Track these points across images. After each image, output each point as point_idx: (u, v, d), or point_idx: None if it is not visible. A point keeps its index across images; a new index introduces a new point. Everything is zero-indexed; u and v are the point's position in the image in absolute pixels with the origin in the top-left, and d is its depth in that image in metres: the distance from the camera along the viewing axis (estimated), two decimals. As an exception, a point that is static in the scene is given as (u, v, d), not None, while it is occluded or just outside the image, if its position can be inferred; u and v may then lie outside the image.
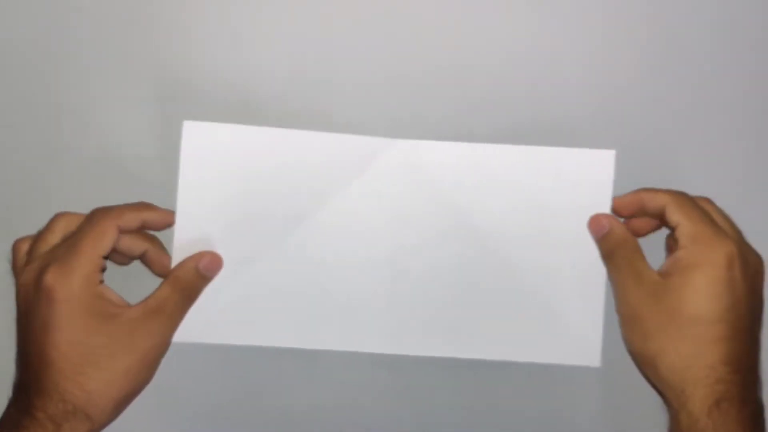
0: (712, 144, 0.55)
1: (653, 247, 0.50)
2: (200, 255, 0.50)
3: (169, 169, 0.52)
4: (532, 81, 0.54)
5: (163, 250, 0.51)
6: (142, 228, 0.50)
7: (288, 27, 0.53)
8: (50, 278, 0.45)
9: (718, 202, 0.54)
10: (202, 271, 0.50)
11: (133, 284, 0.50)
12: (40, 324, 0.45)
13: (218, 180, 0.52)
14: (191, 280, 0.50)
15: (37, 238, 0.48)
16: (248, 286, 0.52)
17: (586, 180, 0.51)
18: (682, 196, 0.48)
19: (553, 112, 0.55)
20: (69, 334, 0.45)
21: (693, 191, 0.54)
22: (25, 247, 0.48)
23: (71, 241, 0.47)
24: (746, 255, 0.46)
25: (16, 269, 0.48)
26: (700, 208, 0.48)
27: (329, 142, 0.53)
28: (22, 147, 0.53)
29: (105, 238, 0.47)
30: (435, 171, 0.53)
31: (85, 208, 0.52)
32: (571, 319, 0.52)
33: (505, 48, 0.54)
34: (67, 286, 0.45)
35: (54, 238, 0.48)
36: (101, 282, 0.47)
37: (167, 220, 0.51)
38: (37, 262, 0.46)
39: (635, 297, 0.47)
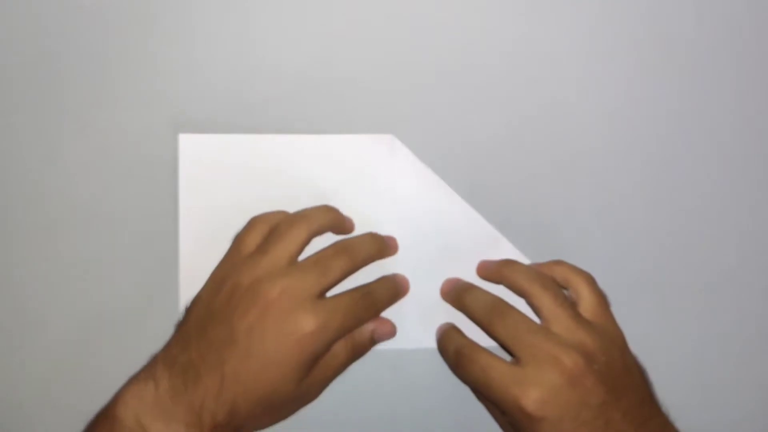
0: (710, 143, 0.55)
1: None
2: (380, 322, 0.50)
3: (168, 171, 0.53)
4: (532, 80, 0.54)
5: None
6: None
7: (286, 28, 0.54)
8: (311, 323, 0.44)
9: (716, 203, 0.55)
10: (375, 338, 0.50)
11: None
12: (263, 343, 0.44)
13: (217, 189, 0.53)
14: (364, 343, 0.49)
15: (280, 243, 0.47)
16: None
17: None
18: (542, 299, 0.47)
19: (552, 111, 0.55)
20: (282, 371, 0.44)
21: (693, 191, 0.55)
22: (257, 239, 0.48)
23: (341, 300, 0.46)
24: (592, 354, 0.44)
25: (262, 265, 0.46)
26: (546, 331, 0.45)
27: (322, 144, 0.53)
28: (20, 148, 0.53)
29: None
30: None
31: (83, 210, 0.52)
32: None
33: (505, 47, 0.54)
34: (319, 339, 0.45)
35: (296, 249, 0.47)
36: None
37: (350, 228, 0.52)
38: (299, 289, 0.45)
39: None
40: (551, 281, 0.48)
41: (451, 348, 0.49)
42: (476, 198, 0.53)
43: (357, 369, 0.50)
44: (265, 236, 0.48)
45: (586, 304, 0.47)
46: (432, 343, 0.52)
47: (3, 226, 0.53)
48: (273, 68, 0.53)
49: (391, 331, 0.50)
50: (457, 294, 0.51)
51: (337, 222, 0.51)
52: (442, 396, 0.53)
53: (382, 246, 0.51)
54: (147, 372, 0.44)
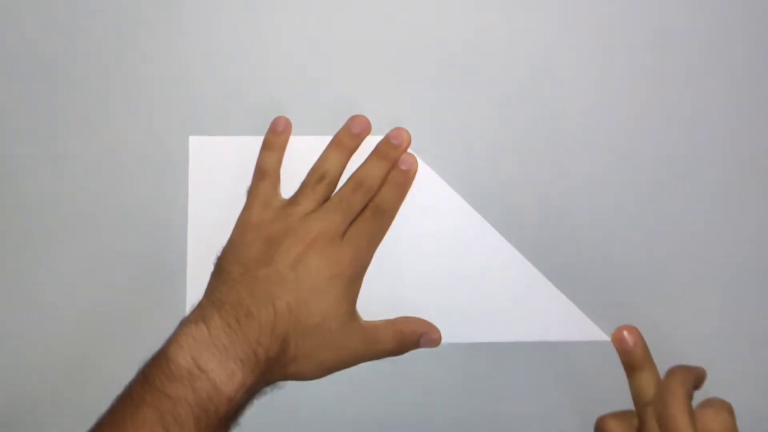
0: (710, 144, 0.55)
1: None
2: (431, 329, 0.52)
3: (178, 172, 0.54)
4: (532, 81, 0.55)
5: None
6: None
7: (292, 32, 0.54)
8: (347, 259, 0.49)
9: (716, 204, 0.55)
10: (422, 343, 0.52)
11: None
12: (310, 279, 0.48)
13: (226, 190, 0.54)
14: (409, 343, 0.52)
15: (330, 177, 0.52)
16: None
17: None
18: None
19: (551, 112, 0.55)
20: (330, 307, 0.48)
21: (692, 191, 0.55)
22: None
23: (365, 229, 0.51)
24: None
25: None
26: None
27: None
28: (28, 150, 0.54)
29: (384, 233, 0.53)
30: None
31: (94, 210, 0.53)
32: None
33: (505, 48, 0.54)
34: (355, 273, 0.50)
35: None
36: None
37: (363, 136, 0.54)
38: (333, 227, 0.49)
39: None
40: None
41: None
42: (476, 198, 0.54)
43: (359, 367, 0.51)
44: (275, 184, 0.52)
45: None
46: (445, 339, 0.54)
47: (14, 226, 0.54)
48: (280, 71, 0.54)
49: (437, 340, 0.52)
50: (635, 361, 0.47)
51: (351, 154, 0.53)
52: (441, 390, 0.54)
53: (390, 164, 0.53)
54: (196, 315, 0.46)
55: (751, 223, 0.55)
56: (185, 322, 0.46)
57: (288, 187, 0.53)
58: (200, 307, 0.47)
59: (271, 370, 0.46)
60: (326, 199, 0.52)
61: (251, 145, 0.54)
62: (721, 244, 0.55)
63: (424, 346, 0.52)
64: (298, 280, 0.47)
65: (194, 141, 0.54)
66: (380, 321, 0.51)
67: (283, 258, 0.48)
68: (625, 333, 0.47)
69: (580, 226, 0.54)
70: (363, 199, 0.51)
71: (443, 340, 0.53)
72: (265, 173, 0.53)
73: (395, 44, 0.54)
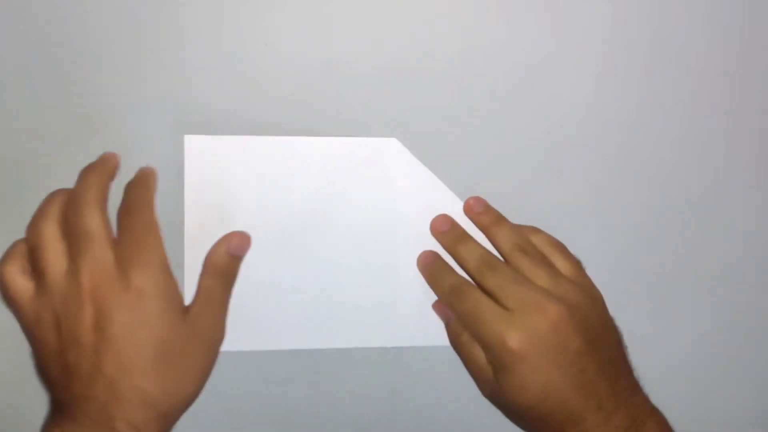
0: (710, 144, 0.55)
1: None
2: (229, 237, 0.49)
3: (173, 171, 0.54)
4: (531, 84, 0.54)
5: None
6: None
7: (290, 33, 0.54)
8: (137, 276, 0.43)
9: (715, 204, 0.55)
10: (233, 252, 0.49)
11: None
12: (120, 325, 0.42)
13: (222, 190, 0.54)
14: (226, 263, 0.48)
15: (45, 244, 0.45)
16: (251, 291, 0.53)
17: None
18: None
19: (550, 114, 0.55)
20: (156, 332, 0.43)
21: (685, 190, 0.55)
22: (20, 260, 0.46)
23: (132, 237, 0.45)
24: (574, 306, 0.47)
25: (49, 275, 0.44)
26: (532, 283, 0.48)
27: (326, 147, 0.54)
28: (28, 150, 0.54)
29: (156, 225, 0.46)
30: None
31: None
32: None
33: (504, 52, 0.54)
34: (154, 282, 0.44)
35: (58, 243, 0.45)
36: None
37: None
38: (100, 264, 0.43)
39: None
40: (531, 246, 0.51)
41: (447, 283, 0.51)
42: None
43: (355, 366, 0.51)
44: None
45: (563, 269, 0.50)
46: (428, 342, 0.53)
47: (14, 226, 0.54)
48: (278, 72, 0.54)
49: (243, 239, 0.49)
50: (452, 240, 0.53)
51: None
52: (440, 392, 0.54)
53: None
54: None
55: (750, 223, 0.55)
56: None
57: (288, 186, 0.53)
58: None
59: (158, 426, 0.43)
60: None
61: (247, 145, 0.54)
62: (720, 244, 0.55)
63: (239, 252, 0.48)
64: (105, 332, 0.42)
65: (189, 140, 0.54)
66: (195, 306, 0.46)
67: (82, 333, 0.43)
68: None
69: (579, 225, 0.54)
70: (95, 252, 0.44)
71: (443, 341, 0.53)
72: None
73: (395, 45, 0.54)
